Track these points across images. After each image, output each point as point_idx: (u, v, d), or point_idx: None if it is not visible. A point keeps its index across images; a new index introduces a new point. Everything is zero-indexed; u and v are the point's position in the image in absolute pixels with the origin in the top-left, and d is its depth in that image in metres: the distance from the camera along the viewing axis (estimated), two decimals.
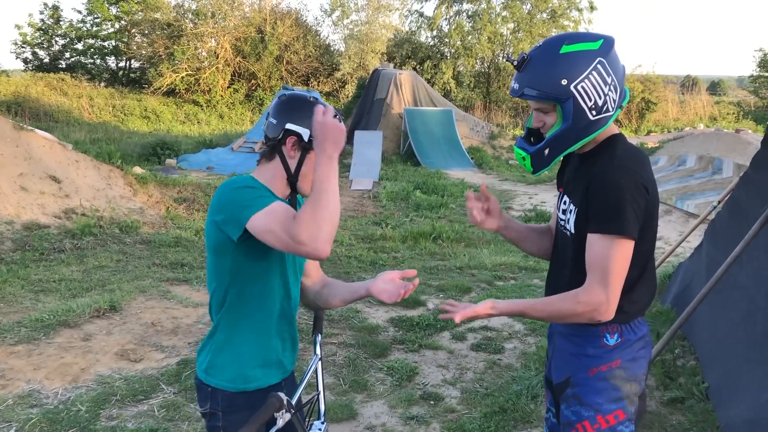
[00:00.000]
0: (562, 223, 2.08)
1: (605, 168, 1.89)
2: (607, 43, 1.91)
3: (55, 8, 27.85)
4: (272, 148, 1.96)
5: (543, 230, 2.32)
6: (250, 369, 1.98)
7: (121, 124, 22.57)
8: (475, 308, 1.95)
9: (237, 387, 1.97)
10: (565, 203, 2.07)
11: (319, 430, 1.98)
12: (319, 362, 2.13)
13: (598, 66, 1.87)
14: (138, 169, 11.27)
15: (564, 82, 1.86)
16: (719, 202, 5.76)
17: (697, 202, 10.52)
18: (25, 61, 28.02)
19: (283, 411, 1.63)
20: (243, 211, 1.78)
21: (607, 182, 1.86)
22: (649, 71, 27.73)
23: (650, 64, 54.33)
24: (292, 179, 1.96)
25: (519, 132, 21.24)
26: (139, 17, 27.77)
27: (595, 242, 1.88)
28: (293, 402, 1.73)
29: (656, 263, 5.76)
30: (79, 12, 29.03)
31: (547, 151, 1.97)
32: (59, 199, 8.52)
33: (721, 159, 12.53)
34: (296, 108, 1.93)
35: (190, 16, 27.23)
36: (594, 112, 1.90)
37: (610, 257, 1.85)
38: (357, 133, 15.74)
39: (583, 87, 1.87)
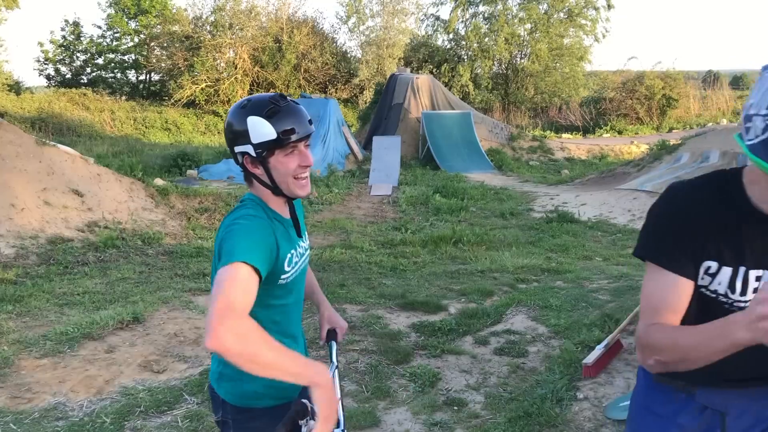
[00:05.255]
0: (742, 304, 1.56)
1: None
2: None
3: (76, 24, 28.37)
4: (246, 173, 1.98)
5: None
6: (259, 386, 1.89)
7: (142, 136, 22.86)
8: None
9: (244, 403, 1.94)
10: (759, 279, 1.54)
11: None
12: (336, 370, 2.11)
13: None
14: (159, 181, 11.38)
15: None
16: None
17: None
18: (48, 77, 28.59)
19: (308, 418, 1.61)
20: (225, 255, 1.69)
21: None
22: (670, 67, 27.44)
23: (670, 61, 54.06)
24: (275, 190, 1.95)
25: (538, 132, 21.07)
26: (158, 30, 28.17)
27: None
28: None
29: None
30: (99, 27, 29.53)
31: None
32: (82, 213, 8.62)
33: (745, 155, 12.31)
34: (232, 130, 1.95)
35: (208, 27, 27.55)
36: None
37: None
38: (375, 139, 15.76)
39: None
